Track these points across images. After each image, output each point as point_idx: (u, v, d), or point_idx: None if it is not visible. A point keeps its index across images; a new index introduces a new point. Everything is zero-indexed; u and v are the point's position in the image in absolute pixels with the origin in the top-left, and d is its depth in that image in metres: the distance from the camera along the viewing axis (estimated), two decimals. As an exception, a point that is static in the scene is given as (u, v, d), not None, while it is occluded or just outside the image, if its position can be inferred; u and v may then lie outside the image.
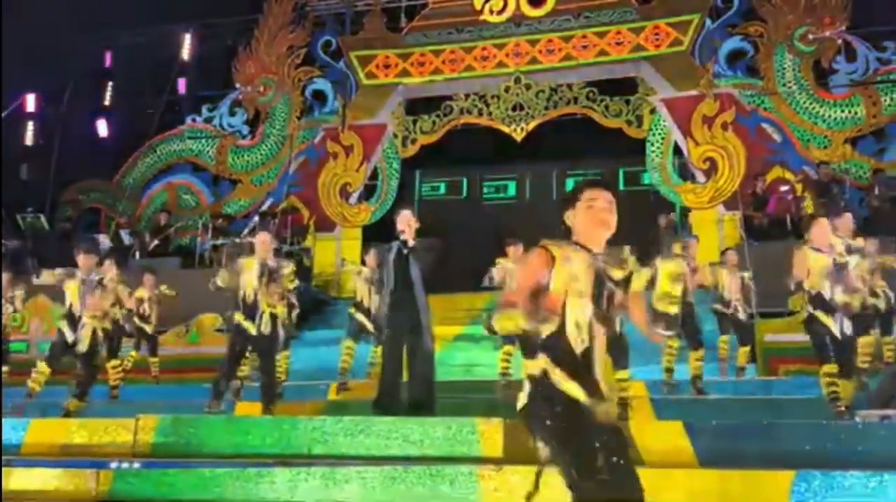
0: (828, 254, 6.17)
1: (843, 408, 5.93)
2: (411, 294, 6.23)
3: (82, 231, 15.45)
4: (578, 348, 2.67)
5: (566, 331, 2.66)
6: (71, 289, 7.60)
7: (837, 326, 6.06)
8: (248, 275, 6.93)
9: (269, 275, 6.96)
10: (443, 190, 16.10)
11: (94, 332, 7.51)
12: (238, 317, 6.89)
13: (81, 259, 7.71)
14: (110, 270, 8.23)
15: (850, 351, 6.19)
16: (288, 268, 7.25)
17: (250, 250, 7.71)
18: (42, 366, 7.51)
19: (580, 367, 2.67)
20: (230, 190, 15.79)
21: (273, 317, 6.95)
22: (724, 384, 8.50)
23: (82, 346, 7.40)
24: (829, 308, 6.10)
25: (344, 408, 7.29)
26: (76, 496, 5.07)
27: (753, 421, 5.59)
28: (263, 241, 7.17)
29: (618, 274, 2.78)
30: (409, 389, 6.24)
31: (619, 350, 6.42)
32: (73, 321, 7.51)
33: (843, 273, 6.15)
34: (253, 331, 6.84)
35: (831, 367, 6.04)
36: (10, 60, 13.91)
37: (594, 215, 2.77)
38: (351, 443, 5.40)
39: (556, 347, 2.67)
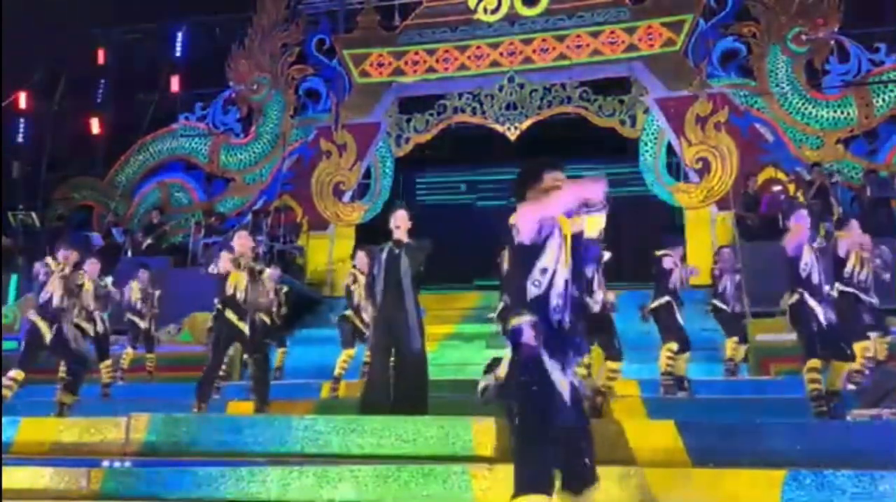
0: (808, 244, 6.22)
1: (824, 409, 5.89)
2: (399, 294, 6.17)
3: (74, 229, 15.40)
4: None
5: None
6: (51, 284, 7.33)
7: (823, 313, 6.05)
8: (235, 272, 6.93)
9: (251, 275, 6.98)
10: (436, 188, 16.09)
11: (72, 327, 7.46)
12: (229, 314, 6.88)
13: (61, 254, 7.51)
14: (93, 266, 8.25)
15: (839, 338, 6.10)
16: (267, 272, 7.31)
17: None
18: (16, 374, 7.17)
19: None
20: (223, 188, 15.76)
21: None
22: (716, 383, 8.51)
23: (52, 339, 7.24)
24: (818, 294, 6.10)
25: (336, 408, 7.28)
26: (67, 494, 5.03)
27: (745, 420, 5.60)
28: (241, 239, 7.17)
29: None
30: (396, 390, 6.18)
31: (607, 337, 6.47)
32: (47, 316, 7.26)
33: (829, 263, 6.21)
34: (244, 328, 6.87)
35: (815, 362, 5.99)
36: (2, 57, 13.85)
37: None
38: (343, 442, 5.37)
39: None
